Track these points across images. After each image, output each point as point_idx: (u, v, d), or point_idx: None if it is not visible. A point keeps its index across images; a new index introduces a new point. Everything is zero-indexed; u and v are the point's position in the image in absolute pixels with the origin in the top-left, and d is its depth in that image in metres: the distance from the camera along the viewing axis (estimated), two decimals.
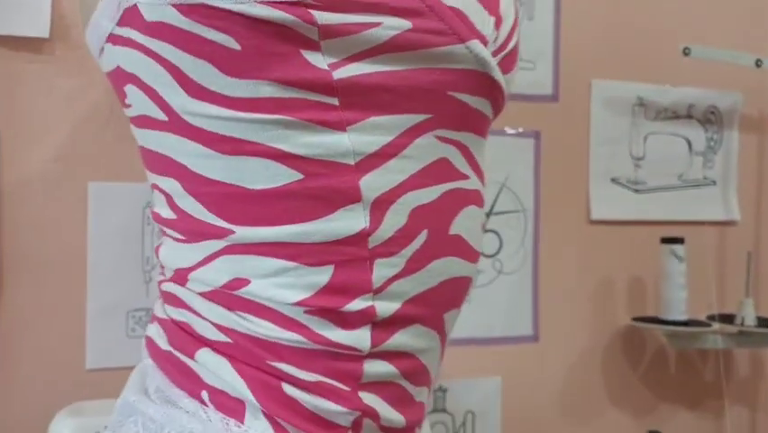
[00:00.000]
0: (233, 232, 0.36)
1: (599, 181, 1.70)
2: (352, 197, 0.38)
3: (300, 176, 0.36)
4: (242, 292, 0.36)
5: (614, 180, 1.72)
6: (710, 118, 1.82)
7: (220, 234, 0.36)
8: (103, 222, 1.28)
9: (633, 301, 1.73)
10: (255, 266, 0.36)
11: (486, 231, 1.60)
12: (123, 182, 1.28)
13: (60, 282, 1.25)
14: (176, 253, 0.37)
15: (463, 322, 1.64)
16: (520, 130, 1.62)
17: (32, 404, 1.22)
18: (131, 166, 1.21)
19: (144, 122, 0.37)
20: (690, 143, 1.80)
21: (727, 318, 1.65)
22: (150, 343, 0.39)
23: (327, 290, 0.37)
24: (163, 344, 0.38)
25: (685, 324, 1.59)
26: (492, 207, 1.60)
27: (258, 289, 0.36)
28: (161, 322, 0.38)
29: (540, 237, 1.64)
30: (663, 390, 1.75)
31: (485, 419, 1.56)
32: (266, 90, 0.35)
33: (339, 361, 0.39)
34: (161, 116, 0.35)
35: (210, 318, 0.37)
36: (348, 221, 0.38)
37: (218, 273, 0.36)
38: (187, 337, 0.38)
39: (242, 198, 0.36)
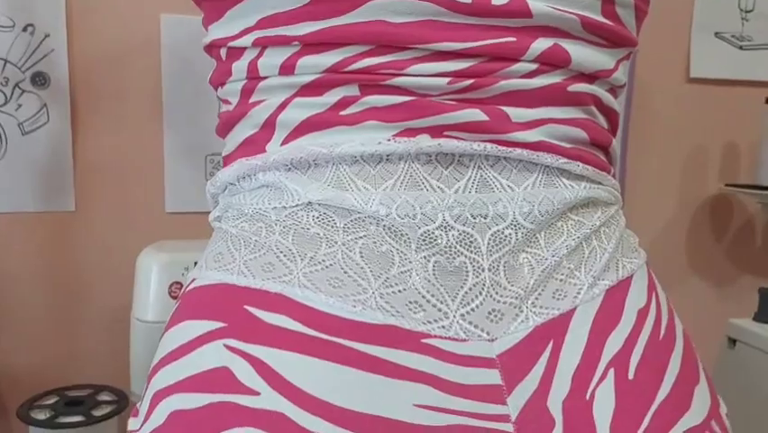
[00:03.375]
0: (636, 44, 0.45)
1: (702, 35, 1.54)
2: None
3: None
4: (620, 90, 0.47)
5: (718, 35, 1.56)
6: None
7: (632, 43, 0.44)
8: (176, 58, 1.20)
9: (726, 169, 1.62)
10: (624, 71, 0.47)
11: None
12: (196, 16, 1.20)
13: (136, 119, 1.19)
14: (596, 58, 0.42)
15: None
16: None
17: (115, 243, 1.21)
18: None
19: None
20: None
21: None
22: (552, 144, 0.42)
23: None
24: (573, 144, 0.43)
25: None
26: None
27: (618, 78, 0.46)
28: (571, 121, 0.43)
29: (633, 95, 1.51)
30: (748, 263, 1.68)
31: None
32: None
33: None
34: None
35: (615, 109, 0.46)
36: None
37: (623, 75, 0.45)
38: (603, 131, 0.44)
39: (645, 16, 0.46)
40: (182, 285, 1.02)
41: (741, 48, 1.58)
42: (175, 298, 1.03)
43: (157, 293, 1.03)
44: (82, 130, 1.19)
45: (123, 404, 1.06)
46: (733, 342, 1.16)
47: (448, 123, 0.39)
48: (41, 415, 1.01)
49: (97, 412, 1.03)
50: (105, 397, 1.09)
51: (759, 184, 1.50)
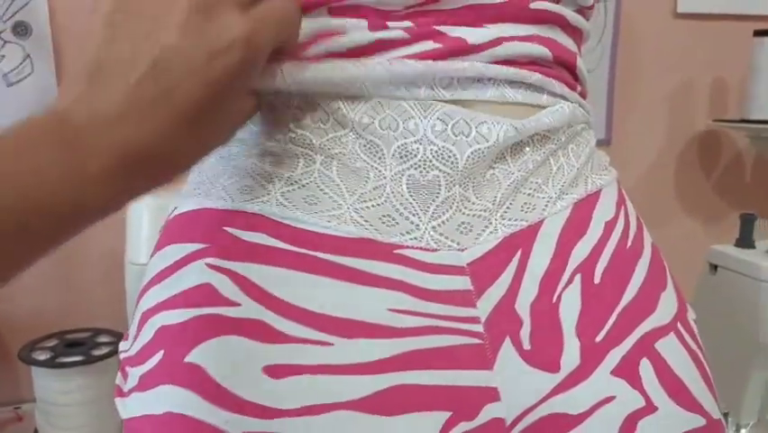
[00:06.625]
0: None
1: None
2: None
3: None
4: (588, 12, 0.47)
5: None
6: None
7: None
8: None
9: (714, 105, 1.62)
10: None
11: None
12: None
13: None
14: None
15: None
16: None
17: None
18: None
19: None
20: None
21: None
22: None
23: None
24: None
25: None
26: None
27: None
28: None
29: (620, 32, 1.51)
30: (736, 198, 1.69)
31: None
32: None
33: None
34: None
35: (580, 28, 0.46)
36: None
37: None
38: (567, 50, 0.44)
39: None
40: None
41: None
42: None
43: (149, 237, 1.04)
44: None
45: None
46: (714, 268, 1.18)
47: (405, 54, 0.39)
48: (42, 356, 1.04)
49: (96, 352, 1.06)
50: (103, 339, 1.12)
51: (748, 118, 1.50)
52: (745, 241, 1.17)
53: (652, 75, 1.56)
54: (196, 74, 0.30)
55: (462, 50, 0.39)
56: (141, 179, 0.31)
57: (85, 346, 1.08)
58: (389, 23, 0.39)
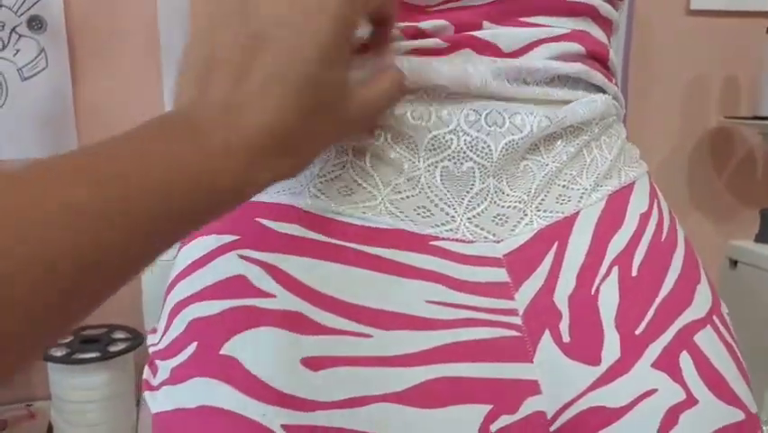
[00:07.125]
0: None
1: None
2: None
3: None
4: (619, 2, 0.47)
5: None
6: None
7: None
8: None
9: (726, 102, 1.62)
10: None
11: None
12: None
13: (135, 60, 1.18)
14: None
15: None
16: None
17: None
18: None
19: None
20: None
21: None
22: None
23: None
24: None
25: None
26: None
27: None
28: None
29: (633, 28, 1.50)
30: (749, 195, 1.69)
31: None
32: None
33: None
34: None
35: (611, 19, 0.45)
36: None
37: None
38: (600, 43, 0.44)
39: None
40: None
41: None
42: None
43: None
44: (81, 74, 1.19)
45: (137, 341, 1.08)
46: (734, 263, 1.18)
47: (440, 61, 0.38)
48: (59, 352, 1.03)
49: (113, 349, 1.05)
50: (119, 335, 1.11)
51: (760, 115, 1.50)
52: (766, 236, 1.16)
53: (664, 72, 1.56)
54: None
55: (497, 57, 0.39)
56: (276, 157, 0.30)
57: (100, 343, 1.07)
58: (424, 27, 0.38)
